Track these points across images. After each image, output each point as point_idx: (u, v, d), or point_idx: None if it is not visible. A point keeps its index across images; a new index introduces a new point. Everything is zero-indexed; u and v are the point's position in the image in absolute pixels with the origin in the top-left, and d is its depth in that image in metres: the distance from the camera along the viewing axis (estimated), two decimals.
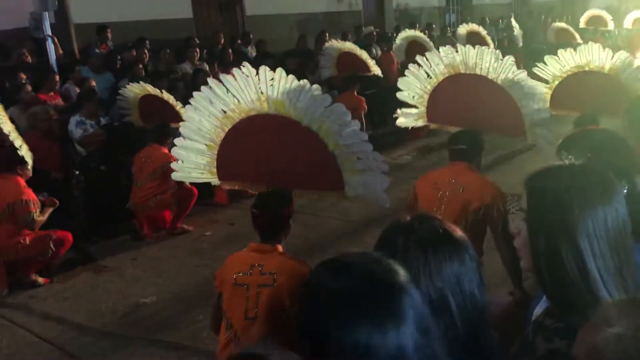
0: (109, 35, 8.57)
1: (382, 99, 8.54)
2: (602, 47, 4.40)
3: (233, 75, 2.88)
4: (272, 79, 2.81)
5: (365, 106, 8.19)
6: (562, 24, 13.43)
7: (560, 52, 4.49)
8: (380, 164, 2.87)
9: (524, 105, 3.46)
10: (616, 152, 1.58)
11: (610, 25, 14.47)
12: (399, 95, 3.88)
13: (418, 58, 3.76)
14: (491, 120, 3.55)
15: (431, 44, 9.71)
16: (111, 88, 7.49)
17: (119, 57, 8.06)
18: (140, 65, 7.67)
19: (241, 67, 2.91)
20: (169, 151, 5.69)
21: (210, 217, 6.34)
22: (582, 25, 14.53)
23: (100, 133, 6.41)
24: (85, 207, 5.94)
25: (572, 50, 4.47)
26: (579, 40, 11.93)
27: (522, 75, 3.48)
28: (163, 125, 5.92)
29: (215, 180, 3.17)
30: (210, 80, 2.99)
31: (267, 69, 2.84)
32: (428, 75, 3.73)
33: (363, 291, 1.02)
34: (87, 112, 6.37)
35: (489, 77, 3.50)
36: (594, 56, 4.34)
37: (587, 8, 17.57)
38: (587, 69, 4.37)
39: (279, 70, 2.83)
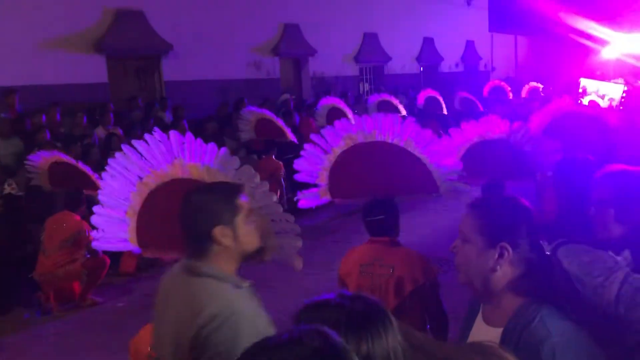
0: (17, 98, 8.26)
1: None
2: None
3: (146, 141, 2.86)
4: (184, 142, 2.81)
5: (284, 170, 8.30)
6: (466, 94, 14.40)
7: (464, 123, 4.73)
8: (293, 226, 2.85)
9: (431, 163, 3.45)
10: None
11: (510, 95, 15.70)
12: (296, 177, 3.75)
13: (312, 136, 3.70)
14: (402, 183, 3.55)
15: (349, 111, 10.09)
16: (19, 153, 7.16)
17: (28, 121, 7.77)
18: (47, 131, 7.40)
19: (153, 132, 2.89)
20: (82, 218, 5.49)
21: (123, 287, 6.05)
22: (485, 94, 15.68)
23: None
24: None
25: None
26: (481, 109, 12.84)
27: (426, 134, 3.47)
28: (75, 192, 5.69)
29: (136, 249, 3.07)
30: (124, 146, 2.94)
31: (178, 133, 2.85)
32: (325, 152, 3.66)
33: None
34: None
35: (391, 141, 3.46)
36: (495, 125, 4.62)
37: (489, 79, 19.05)
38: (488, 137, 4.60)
39: (188, 134, 2.84)
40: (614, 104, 8.52)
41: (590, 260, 1.79)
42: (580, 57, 16.24)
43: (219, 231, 1.85)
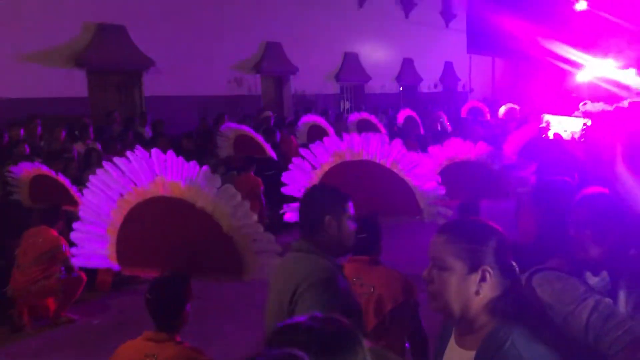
0: None
1: (280, 179, 8.65)
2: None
3: (127, 158, 2.85)
4: (165, 160, 2.82)
5: (262, 187, 8.29)
6: (442, 114, 14.57)
7: (430, 147, 4.79)
8: (273, 245, 2.85)
9: (415, 186, 3.50)
10: None
11: (487, 116, 15.93)
12: (283, 190, 3.77)
13: (301, 151, 3.73)
14: (386, 203, 3.57)
15: (330, 129, 10.15)
16: None
17: (5, 135, 7.66)
18: (26, 145, 7.31)
19: (134, 149, 2.88)
20: (59, 234, 5.41)
21: (99, 304, 5.96)
22: (463, 115, 15.89)
23: None
24: None
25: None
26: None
27: (412, 157, 3.52)
28: (54, 207, 5.61)
29: (115, 266, 3.03)
30: (105, 163, 2.92)
31: (159, 150, 2.84)
32: (313, 167, 3.69)
33: None
34: None
35: (378, 161, 3.51)
36: (461, 148, 4.68)
37: (467, 99, 19.33)
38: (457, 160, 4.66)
39: (170, 152, 2.84)
40: (576, 136, 8.90)
41: (562, 288, 1.79)
42: (555, 80, 16.60)
43: (328, 220, 2.30)
